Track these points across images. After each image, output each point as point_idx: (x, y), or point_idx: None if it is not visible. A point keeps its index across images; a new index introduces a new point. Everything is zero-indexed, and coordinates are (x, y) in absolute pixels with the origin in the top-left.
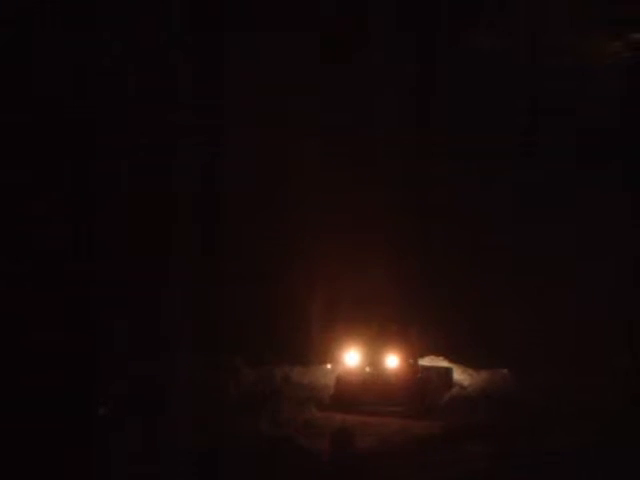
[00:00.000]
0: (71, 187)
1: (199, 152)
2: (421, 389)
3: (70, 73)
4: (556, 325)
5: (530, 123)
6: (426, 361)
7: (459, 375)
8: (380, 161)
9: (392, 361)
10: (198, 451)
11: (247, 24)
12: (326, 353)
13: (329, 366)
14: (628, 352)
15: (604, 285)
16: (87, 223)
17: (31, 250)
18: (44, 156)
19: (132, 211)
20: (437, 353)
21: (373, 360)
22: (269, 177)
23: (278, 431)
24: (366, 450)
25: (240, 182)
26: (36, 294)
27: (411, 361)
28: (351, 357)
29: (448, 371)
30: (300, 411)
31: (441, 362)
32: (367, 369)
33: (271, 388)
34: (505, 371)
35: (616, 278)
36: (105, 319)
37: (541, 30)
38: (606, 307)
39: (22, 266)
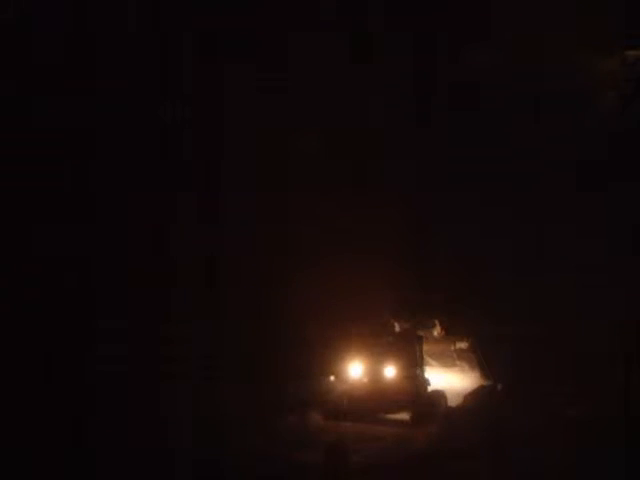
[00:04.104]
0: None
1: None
2: (431, 400)
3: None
4: (553, 340)
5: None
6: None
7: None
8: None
9: (393, 372)
10: (196, 465)
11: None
12: (327, 366)
13: (332, 378)
14: (624, 368)
15: (602, 301)
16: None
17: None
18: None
19: (133, 218)
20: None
21: (376, 372)
22: (269, 185)
23: (273, 445)
24: (362, 464)
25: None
26: (35, 296)
27: (416, 371)
28: (355, 369)
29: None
30: (297, 425)
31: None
32: (370, 380)
33: (270, 402)
34: (500, 385)
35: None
36: (103, 321)
37: (536, 49)
38: (604, 322)
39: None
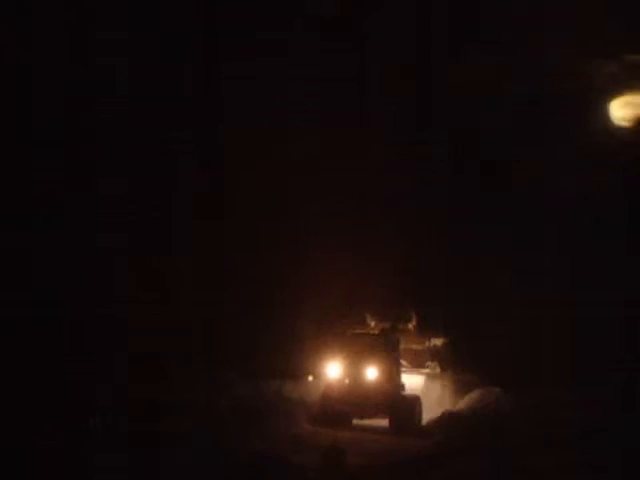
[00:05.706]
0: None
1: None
2: (409, 405)
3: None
4: (550, 342)
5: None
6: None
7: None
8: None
9: (373, 374)
10: (189, 466)
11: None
12: (311, 366)
13: (310, 378)
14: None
15: (600, 305)
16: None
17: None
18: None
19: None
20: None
21: (353, 374)
22: (268, 188)
23: (269, 447)
24: (357, 467)
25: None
26: (33, 299)
27: (393, 374)
28: (332, 370)
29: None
30: (290, 426)
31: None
32: (347, 383)
33: (262, 403)
34: (498, 389)
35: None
36: (100, 329)
37: (538, 53)
38: (602, 325)
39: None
